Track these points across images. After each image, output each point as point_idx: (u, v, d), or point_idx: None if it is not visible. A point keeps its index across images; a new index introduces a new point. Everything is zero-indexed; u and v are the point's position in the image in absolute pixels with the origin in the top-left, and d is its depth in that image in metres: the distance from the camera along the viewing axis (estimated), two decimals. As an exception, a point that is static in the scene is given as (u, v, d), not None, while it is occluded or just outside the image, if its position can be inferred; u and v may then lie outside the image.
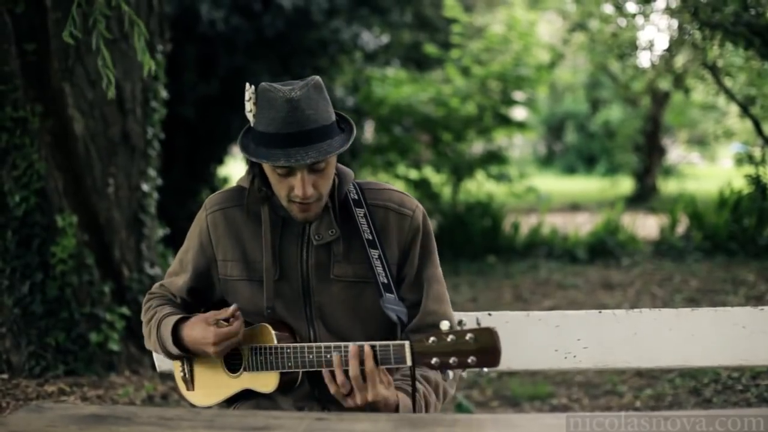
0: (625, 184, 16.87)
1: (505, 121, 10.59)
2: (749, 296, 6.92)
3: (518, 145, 26.17)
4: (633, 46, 9.88)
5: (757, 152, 7.19)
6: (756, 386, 4.79)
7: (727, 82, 7.30)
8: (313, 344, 2.31)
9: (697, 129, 19.39)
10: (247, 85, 2.32)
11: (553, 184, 19.32)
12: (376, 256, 2.39)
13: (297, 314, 2.44)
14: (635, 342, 2.71)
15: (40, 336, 4.76)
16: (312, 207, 2.36)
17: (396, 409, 2.28)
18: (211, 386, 2.54)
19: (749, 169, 6.93)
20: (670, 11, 8.26)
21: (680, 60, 10.28)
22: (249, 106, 2.32)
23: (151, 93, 5.30)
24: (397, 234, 2.45)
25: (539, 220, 10.29)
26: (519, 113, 13.80)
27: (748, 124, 8.05)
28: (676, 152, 19.40)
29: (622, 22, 9.49)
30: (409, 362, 2.13)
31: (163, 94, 5.46)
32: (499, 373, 5.33)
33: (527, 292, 7.90)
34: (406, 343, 2.14)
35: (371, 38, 11.11)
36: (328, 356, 2.26)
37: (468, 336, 2.02)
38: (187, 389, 2.58)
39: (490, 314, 2.76)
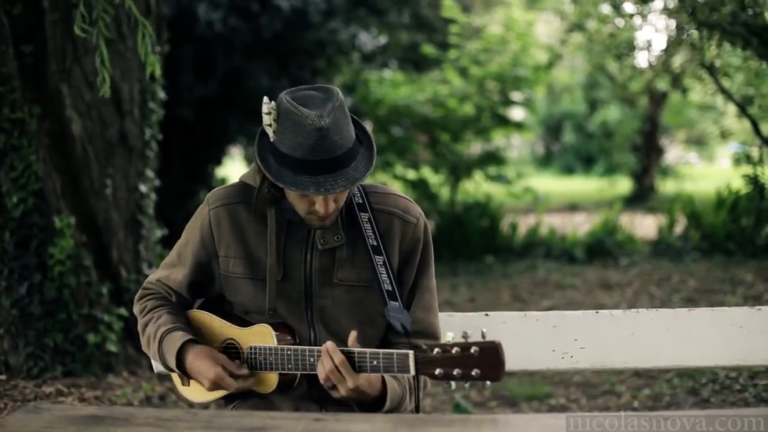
0: (623, 185, 16.87)
1: (503, 122, 10.59)
2: (747, 296, 6.92)
3: (516, 146, 26.18)
4: (630, 47, 9.88)
5: (755, 152, 7.18)
6: (754, 386, 4.79)
7: (725, 82, 7.29)
8: (314, 348, 2.32)
9: (694, 129, 19.42)
10: (266, 98, 2.28)
11: (551, 184, 19.32)
12: (381, 263, 2.39)
13: (298, 316, 2.44)
14: (633, 342, 2.72)
15: (38, 337, 4.75)
16: (332, 216, 2.37)
17: (384, 386, 2.31)
18: None
19: (747, 169, 6.91)
20: (667, 11, 8.26)
21: (678, 60, 10.29)
22: (268, 120, 2.28)
23: (148, 94, 5.30)
24: (399, 240, 2.46)
25: (537, 220, 10.29)
26: (517, 114, 13.80)
27: (746, 124, 8.04)
28: (674, 152, 19.41)
29: (620, 22, 9.49)
30: (412, 372, 2.14)
31: (161, 95, 5.46)
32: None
33: (525, 292, 7.90)
34: (410, 352, 2.14)
35: (369, 39, 11.11)
36: None
37: (473, 349, 2.03)
38: (183, 384, 2.58)
39: (487, 314, 2.77)
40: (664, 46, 10.47)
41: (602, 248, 9.54)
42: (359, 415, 2.21)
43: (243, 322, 2.48)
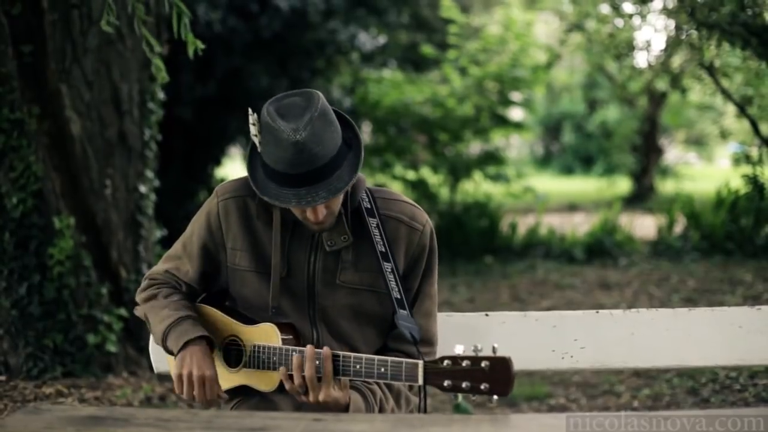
0: (623, 185, 16.87)
1: (502, 122, 10.59)
2: (746, 296, 6.92)
3: (515, 146, 26.20)
4: (630, 47, 9.88)
5: (754, 152, 7.19)
6: (754, 386, 4.79)
7: (724, 82, 7.30)
8: (320, 351, 2.31)
9: (694, 129, 19.44)
10: (250, 110, 2.30)
11: (550, 184, 19.33)
12: (389, 270, 2.40)
13: (301, 314, 2.45)
14: (632, 342, 2.72)
15: (37, 338, 4.75)
16: (326, 221, 2.37)
17: (346, 409, 2.32)
18: None
19: (746, 169, 6.93)
20: (666, 11, 8.27)
21: (677, 60, 10.29)
22: (254, 130, 2.30)
23: (148, 94, 5.30)
24: (405, 246, 2.47)
25: (536, 220, 10.29)
26: (516, 114, 13.81)
27: (746, 124, 8.06)
28: (673, 152, 19.43)
29: (619, 22, 9.49)
30: (420, 381, 2.15)
31: (160, 95, 5.46)
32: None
33: (524, 292, 7.91)
34: (420, 362, 2.15)
35: (368, 39, 11.12)
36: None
37: (483, 363, 2.05)
38: None
39: (487, 314, 2.77)
40: (663, 46, 10.50)
41: (601, 248, 9.54)
42: (359, 415, 2.22)
43: (247, 319, 2.48)
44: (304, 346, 2.37)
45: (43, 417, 1.98)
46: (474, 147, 11.03)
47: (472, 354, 2.06)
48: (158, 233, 5.63)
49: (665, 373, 5.20)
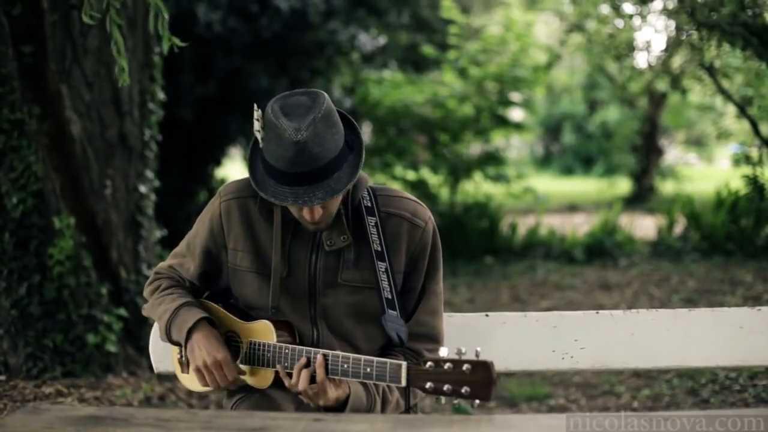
0: (623, 185, 16.87)
1: (503, 122, 10.59)
2: (747, 297, 6.92)
3: (515, 146, 26.20)
4: (630, 47, 9.89)
5: (754, 153, 7.19)
6: (753, 386, 4.79)
7: (725, 82, 7.30)
8: (311, 348, 2.34)
9: (694, 130, 19.44)
10: (255, 106, 2.31)
11: (550, 184, 19.33)
12: (383, 269, 2.41)
13: (301, 314, 2.46)
14: (633, 342, 2.72)
15: (37, 337, 4.75)
16: (322, 221, 2.37)
17: (346, 401, 2.34)
18: None
19: (747, 170, 6.93)
20: (667, 12, 8.27)
21: (677, 61, 10.29)
22: (257, 126, 2.31)
23: (148, 95, 5.30)
24: (407, 243, 2.47)
25: (537, 220, 10.29)
26: (516, 114, 13.81)
27: (746, 124, 8.05)
28: (673, 153, 19.43)
29: (620, 23, 9.49)
30: (403, 383, 2.16)
31: (161, 95, 5.46)
32: (497, 374, 5.32)
33: (525, 292, 7.90)
34: (404, 364, 2.16)
35: (368, 39, 11.11)
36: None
37: (465, 366, 2.04)
38: (182, 371, 2.60)
39: (487, 315, 2.77)
40: (663, 46, 10.50)
41: (602, 249, 9.53)
42: (359, 415, 2.22)
43: (246, 316, 2.50)
44: (300, 344, 2.39)
45: (43, 417, 1.98)
46: (474, 147, 11.02)
47: (455, 357, 2.06)
48: (158, 233, 5.63)
49: (665, 373, 5.20)
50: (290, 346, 2.36)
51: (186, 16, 8.35)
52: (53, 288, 4.75)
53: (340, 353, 2.28)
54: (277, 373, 2.38)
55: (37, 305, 4.74)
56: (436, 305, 2.52)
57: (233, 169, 12.80)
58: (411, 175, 10.57)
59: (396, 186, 10.19)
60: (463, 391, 2.04)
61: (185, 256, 2.61)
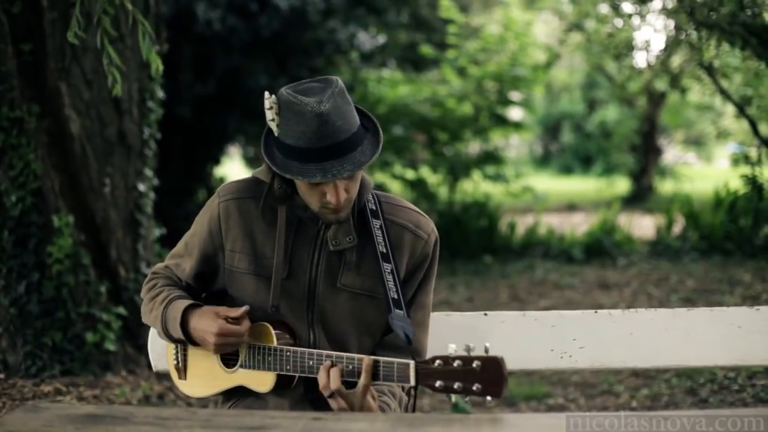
0: (622, 185, 16.88)
1: (502, 122, 10.59)
2: (745, 296, 6.92)
3: (515, 146, 26.22)
4: (629, 47, 9.88)
5: (753, 152, 7.20)
6: (752, 386, 4.79)
7: (724, 82, 7.31)
8: (314, 351, 2.31)
9: (693, 129, 19.44)
10: (267, 93, 2.28)
11: (549, 184, 19.33)
12: (389, 270, 2.38)
13: (299, 316, 2.44)
14: (631, 342, 2.72)
15: (36, 336, 4.75)
16: (344, 208, 2.35)
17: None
18: (204, 378, 2.53)
19: (745, 170, 6.94)
20: (666, 11, 8.27)
21: (676, 60, 10.29)
22: (271, 114, 2.28)
23: (147, 93, 5.30)
24: (408, 254, 2.45)
25: (536, 220, 10.29)
26: (515, 113, 13.81)
27: (745, 124, 8.07)
28: (672, 152, 19.43)
29: (619, 22, 9.49)
30: (412, 382, 2.12)
31: (160, 94, 5.46)
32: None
33: (524, 292, 7.90)
34: (412, 363, 2.13)
35: (368, 38, 11.11)
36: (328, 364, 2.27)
37: (475, 363, 2.00)
38: (179, 377, 2.58)
39: (486, 314, 2.76)
40: (662, 46, 10.48)
41: (600, 248, 9.53)
42: (359, 414, 2.21)
43: None
44: (300, 346, 2.37)
45: (42, 415, 1.98)
46: (473, 146, 11.03)
47: (464, 354, 2.02)
48: (157, 232, 5.63)
49: (664, 373, 5.20)
50: (292, 348, 2.34)
51: (185, 15, 8.36)
52: (52, 286, 4.75)
53: (345, 354, 2.26)
54: (277, 376, 2.37)
55: (36, 303, 4.74)
56: (423, 319, 2.50)
57: (232, 167, 12.80)
58: (410, 173, 10.57)
59: (395, 185, 10.25)
60: (474, 388, 2.00)
61: (182, 257, 2.58)
